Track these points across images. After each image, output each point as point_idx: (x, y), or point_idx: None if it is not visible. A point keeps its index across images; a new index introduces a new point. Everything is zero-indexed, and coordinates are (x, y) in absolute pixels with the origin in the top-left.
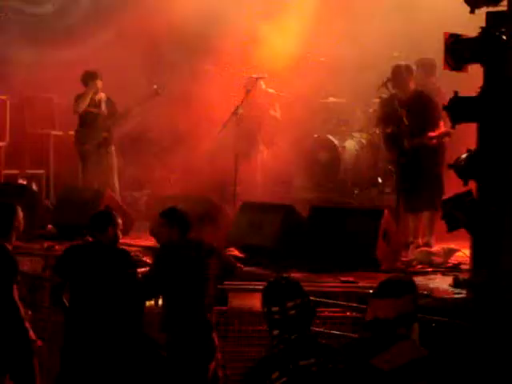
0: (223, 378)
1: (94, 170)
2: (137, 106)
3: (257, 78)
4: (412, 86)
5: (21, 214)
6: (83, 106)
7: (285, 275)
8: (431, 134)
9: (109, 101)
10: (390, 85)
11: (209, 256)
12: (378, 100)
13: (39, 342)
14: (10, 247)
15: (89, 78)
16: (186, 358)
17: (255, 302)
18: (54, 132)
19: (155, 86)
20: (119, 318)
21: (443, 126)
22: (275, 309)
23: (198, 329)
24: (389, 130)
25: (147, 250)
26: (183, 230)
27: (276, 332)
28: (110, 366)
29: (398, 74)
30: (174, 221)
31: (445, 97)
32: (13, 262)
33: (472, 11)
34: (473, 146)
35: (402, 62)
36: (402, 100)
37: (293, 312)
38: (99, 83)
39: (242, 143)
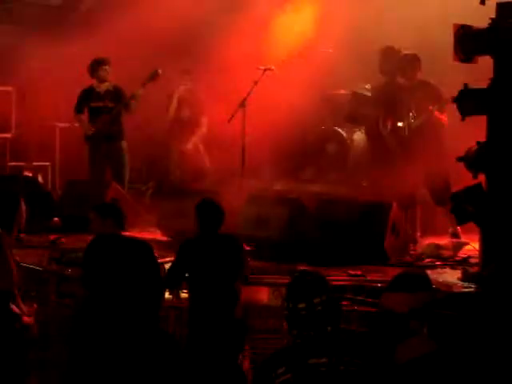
0: (250, 369)
1: (101, 165)
2: (141, 89)
3: (264, 70)
4: (419, 75)
5: (23, 206)
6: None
7: (309, 270)
8: (435, 112)
9: (116, 90)
10: (398, 74)
11: (238, 250)
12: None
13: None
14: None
15: (94, 65)
16: (214, 352)
17: (262, 295)
18: (59, 124)
19: (158, 70)
20: (139, 310)
21: (446, 117)
22: (302, 305)
23: (226, 323)
24: (389, 123)
25: (154, 242)
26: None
27: (295, 331)
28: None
29: (406, 63)
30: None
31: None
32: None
33: (482, 2)
34: (482, 139)
35: (409, 52)
36: (407, 89)
37: (319, 308)
38: (103, 71)
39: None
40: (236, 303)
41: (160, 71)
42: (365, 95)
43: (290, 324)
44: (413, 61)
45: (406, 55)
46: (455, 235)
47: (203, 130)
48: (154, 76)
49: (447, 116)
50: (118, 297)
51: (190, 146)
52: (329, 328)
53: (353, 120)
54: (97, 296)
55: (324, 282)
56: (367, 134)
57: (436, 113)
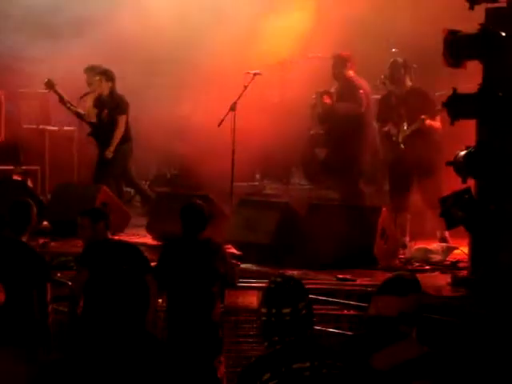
0: (225, 375)
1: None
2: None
3: (254, 74)
4: (408, 82)
5: (35, 210)
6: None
7: (287, 274)
8: (427, 120)
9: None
10: (387, 82)
11: (215, 255)
12: (376, 97)
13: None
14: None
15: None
16: (190, 355)
17: (252, 299)
18: (49, 127)
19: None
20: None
21: (439, 121)
22: (287, 310)
23: (201, 327)
24: (386, 129)
25: (143, 246)
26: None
27: (276, 338)
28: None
29: (395, 70)
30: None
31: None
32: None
33: (471, 7)
34: (471, 143)
35: (399, 58)
36: (398, 96)
37: (304, 312)
38: (92, 80)
39: None
40: (213, 307)
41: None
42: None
43: (271, 330)
44: (401, 67)
45: (394, 62)
46: (444, 240)
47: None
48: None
49: (440, 120)
50: (110, 300)
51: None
52: (308, 331)
53: (326, 120)
54: (93, 300)
55: (303, 285)
56: (337, 132)
57: (428, 121)
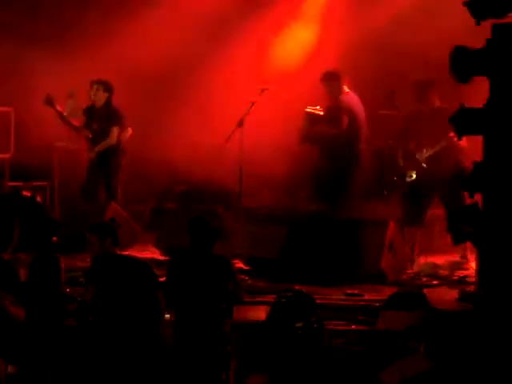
0: None
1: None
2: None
3: (261, 90)
4: (436, 101)
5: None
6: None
7: (297, 289)
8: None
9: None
10: (395, 96)
11: (224, 271)
12: (383, 112)
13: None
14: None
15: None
16: (198, 369)
17: (260, 314)
18: (58, 143)
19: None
20: (139, 328)
21: (465, 141)
22: (299, 324)
23: (210, 342)
24: (412, 146)
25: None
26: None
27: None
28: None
29: (420, 89)
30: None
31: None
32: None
33: (478, 23)
34: (478, 159)
35: (423, 77)
36: (425, 115)
37: (315, 326)
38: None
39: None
40: (221, 323)
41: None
42: (316, 114)
43: (282, 344)
44: (425, 86)
45: (418, 81)
46: (463, 257)
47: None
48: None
49: (465, 139)
50: (121, 314)
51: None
52: (317, 347)
53: (308, 140)
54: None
55: (313, 300)
56: (322, 152)
57: (456, 139)
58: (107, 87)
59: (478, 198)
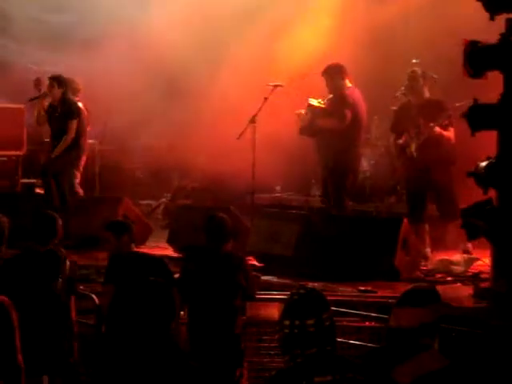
0: None
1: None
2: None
3: (274, 86)
4: (426, 93)
5: (60, 222)
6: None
7: (308, 286)
8: (436, 127)
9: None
10: (407, 92)
11: (238, 268)
12: (395, 108)
13: None
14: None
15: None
16: (212, 367)
17: (273, 311)
18: None
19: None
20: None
21: (453, 132)
22: (311, 322)
23: (224, 339)
24: (401, 141)
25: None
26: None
27: (298, 351)
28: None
29: (414, 81)
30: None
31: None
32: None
33: (492, 18)
34: (492, 154)
35: (418, 69)
36: (416, 107)
37: (327, 323)
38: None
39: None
40: (235, 320)
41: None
42: (318, 107)
43: (293, 343)
44: (419, 78)
45: (412, 72)
46: (466, 251)
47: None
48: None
49: (453, 131)
50: (138, 313)
51: None
52: (331, 344)
53: (308, 132)
54: (120, 313)
55: (325, 297)
56: (321, 146)
57: (437, 129)
58: (61, 82)
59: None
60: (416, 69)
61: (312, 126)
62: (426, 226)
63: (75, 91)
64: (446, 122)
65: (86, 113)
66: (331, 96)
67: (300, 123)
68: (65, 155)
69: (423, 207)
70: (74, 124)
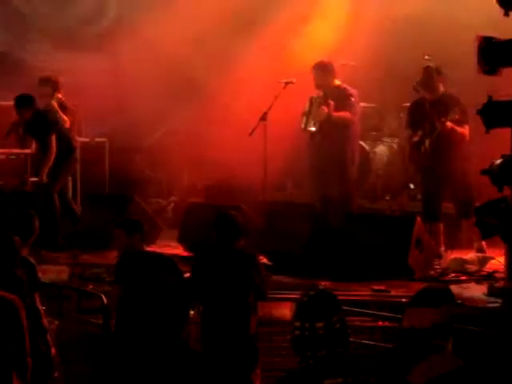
0: None
1: None
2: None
3: (285, 83)
4: (441, 88)
5: (37, 221)
6: None
7: (320, 287)
8: (448, 122)
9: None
10: (420, 88)
11: (250, 264)
12: (408, 104)
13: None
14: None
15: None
16: (227, 368)
17: (285, 311)
18: (80, 139)
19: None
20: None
21: (468, 129)
22: (320, 324)
23: (238, 338)
24: (416, 139)
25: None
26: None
27: (308, 352)
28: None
29: (429, 76)
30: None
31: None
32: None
33: (506, 14)
34: (507, 152)
35: (432, 64)
36: (430, 102)
37: (338, 326)
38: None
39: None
40: (249, 319)
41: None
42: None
43: (304, 344)
44: (434, 73)
45: (427, 68)
46: (480, 250)
47: None
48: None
49: (468, 128)
50: (146, 312)
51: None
52: (342, 346)
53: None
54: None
55: (336, 298)
56: (330, 141)
57: (449, 124)
58: (28, 100)
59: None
60: (431, 64)
61: (329, 118)
62: (441, 225)
63: (55, 88)
64: (458, 116)
65: (70, 109)
66: (324, 92)
67: (315, 120)
68: (62, 163)
69: (438, 205)
70: (51, 140)
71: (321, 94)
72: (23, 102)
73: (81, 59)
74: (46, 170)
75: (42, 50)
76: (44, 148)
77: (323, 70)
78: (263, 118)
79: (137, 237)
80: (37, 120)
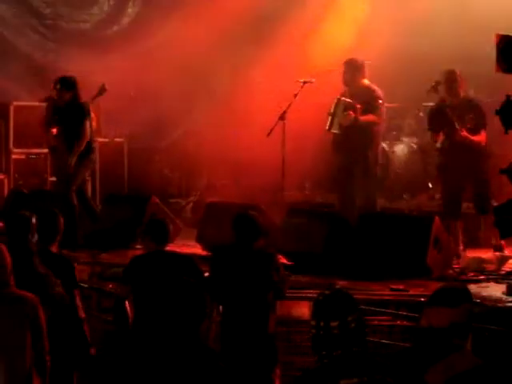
0: None
1: None
2: (90, 103)
3: (303, 82)
4: (462, 92)
5: (62, 219)
6: None
7: (336, 286)
8: (465, 134)
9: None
10: (440, 88)
11: (269, 263)
12: (428, 104)
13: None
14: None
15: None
16: (247, 367)
17: (303, 310)
18: (99, 139)
19: (105, 84)
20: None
21: (484, 135)
22: (334, 323)
23: (258, 338)
24: (438, 145)
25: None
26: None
27: (324, 352)
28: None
29: (452, 80)
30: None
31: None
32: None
33: None
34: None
35: (455, 69)
36: (452, 106)
37: (353, 326)
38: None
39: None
40: (268, 318)
41: (106, 86)
42: (351, 102)
43: (319, 344)
44: (456, 78)
45: (446, 71)
46: (498, 248)
47: None
48: (101, 91)
49: (484, 134)
50: (163, 311)
51: None
52: (356, 346)
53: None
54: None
55: (353, 298)
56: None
57: (463, 134)
58: (70, 85)
59: None
60: (454, 69)
61: (356, 124)
62: (460, 224)
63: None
64: (469, 125)
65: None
66: (350, 91)
67: (342, 125)
68: (82, 161)
69: (458, 203)
70: (86, 126)
71: (347, 93)
72: (67, 83)
73: (99, 60)
74: (75, 157)
75: (59, 51)
76: (75, 134)
77: (353, 67)
78: (282, 117)
79: (148, 238)
80: (75, 104)
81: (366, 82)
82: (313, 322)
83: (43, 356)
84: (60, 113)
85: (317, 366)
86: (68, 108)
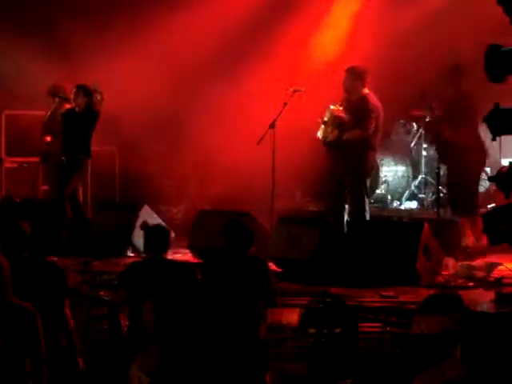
0: None
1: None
2: None
3: (293, 91)
4: (462, 86)
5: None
6: None
7: (332, 293)
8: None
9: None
10: (427, 96)
11: (260, 270)
12: (416, 112)
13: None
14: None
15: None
16: (238, 374)
17: (293, 317)
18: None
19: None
20: (181, 333)
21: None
22: (338, 330)
23: (249, 344)
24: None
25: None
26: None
27: (322, 356)
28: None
29: (455, 73)
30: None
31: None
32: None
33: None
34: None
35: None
36: (452, 101)
37: (351, 331)
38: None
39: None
40: (259, 325)
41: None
42: (341, 117)
43: (320, 350)
44: (460, 71)
45: (455, 66)
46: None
47: None
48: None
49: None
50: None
51: None
52: (350, 352)
53: (333, 146)
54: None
55: (344, 307)
56: (339, 156)
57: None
58: (87, 91)
59: None
60: (459, 64)
61: (339, 140)
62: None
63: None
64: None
65: None
66: (349, 98)
67: (327, 138)
68: (75, 169)
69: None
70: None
71: (344, 101)
72: (85, 89)
73: (89, 68)
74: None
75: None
76: (82, 139)
77: (354, 74)
78: (272, 125)
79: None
80: (89, 111)
81: (365, 91)
82: (312, 330)
83: (40, 365)
84: (75, 119)
85: (314, 369)
86: (82, 112)
